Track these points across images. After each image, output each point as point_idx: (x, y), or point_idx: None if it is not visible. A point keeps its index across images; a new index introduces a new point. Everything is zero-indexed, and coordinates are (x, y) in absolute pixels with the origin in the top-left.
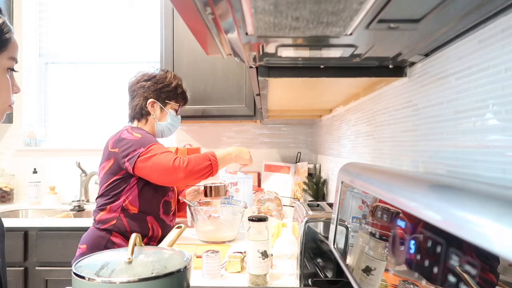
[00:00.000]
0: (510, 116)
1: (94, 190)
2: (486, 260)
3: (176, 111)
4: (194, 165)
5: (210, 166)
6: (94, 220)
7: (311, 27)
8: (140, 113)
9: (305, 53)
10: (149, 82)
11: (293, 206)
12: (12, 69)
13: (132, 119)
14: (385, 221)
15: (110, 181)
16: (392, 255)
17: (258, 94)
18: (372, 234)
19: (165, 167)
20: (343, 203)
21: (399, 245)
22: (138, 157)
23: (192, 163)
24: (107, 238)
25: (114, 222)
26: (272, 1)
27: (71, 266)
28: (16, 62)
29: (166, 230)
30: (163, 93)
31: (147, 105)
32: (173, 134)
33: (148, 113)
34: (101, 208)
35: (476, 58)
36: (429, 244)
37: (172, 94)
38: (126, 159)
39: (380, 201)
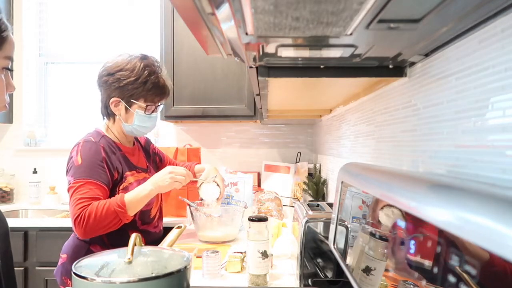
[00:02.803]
0: (510, 116)
1: None
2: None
3: (147, 110)
4: (98, 222)
5: (117, 218)
6: (73, 230)
7: (311, 27)
8: (106, 112)
9: (305, 53)
10: (112, 77)
11: (293, 206)
12: (8, 68)
13: (102, 116)
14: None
15: None
16: (392, 255)
17: (258, 94)
18: (372, 234)
19: (71, 216)
20: (343, 203)
21: (399, 245)
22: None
23: (92, 220)
24: (87, 247)
25: None
26: (272, 1)
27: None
28: (12, 61)
29: (149, 238)
30: (127, 90)
31: (110, 105)
32: (173, 134)
33: (113, 113)
34: None
35: (476, 58)
36: (429, 244)
37: (138, 91)
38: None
39: (380, 201)
